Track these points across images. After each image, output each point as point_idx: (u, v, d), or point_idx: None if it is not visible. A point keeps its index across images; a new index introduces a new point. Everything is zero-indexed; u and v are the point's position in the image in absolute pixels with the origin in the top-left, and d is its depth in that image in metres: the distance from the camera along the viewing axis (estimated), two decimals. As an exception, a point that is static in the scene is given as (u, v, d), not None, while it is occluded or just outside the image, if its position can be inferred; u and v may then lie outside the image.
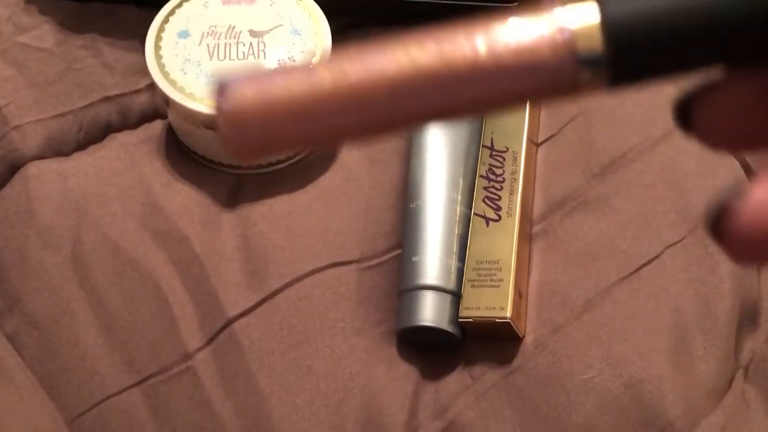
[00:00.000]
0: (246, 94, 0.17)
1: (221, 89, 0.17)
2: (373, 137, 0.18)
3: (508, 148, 0.42)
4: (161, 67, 0.42)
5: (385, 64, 0.17)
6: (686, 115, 0.19)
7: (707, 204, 0.18)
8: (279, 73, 0.17)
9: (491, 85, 0.17)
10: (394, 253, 0.42)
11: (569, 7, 0.17)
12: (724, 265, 0.41)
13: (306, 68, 0.17)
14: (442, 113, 0.18)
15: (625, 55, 0.17)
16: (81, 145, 0.46)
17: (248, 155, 0.18)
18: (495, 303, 0.38)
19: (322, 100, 0.17)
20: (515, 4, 0.49)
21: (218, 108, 0.17)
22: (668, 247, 0.41)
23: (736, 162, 0.45)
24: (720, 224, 0.17)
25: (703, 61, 0.17)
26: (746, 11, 0.16)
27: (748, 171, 0.44)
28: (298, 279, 0.41)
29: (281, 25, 0.44)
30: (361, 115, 0.17)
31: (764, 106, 0.17)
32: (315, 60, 0.16)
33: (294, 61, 0.43)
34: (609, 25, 0.17)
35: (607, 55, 0.17)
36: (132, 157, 0.45)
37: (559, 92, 0.17)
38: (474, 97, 0.17)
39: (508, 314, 0.37)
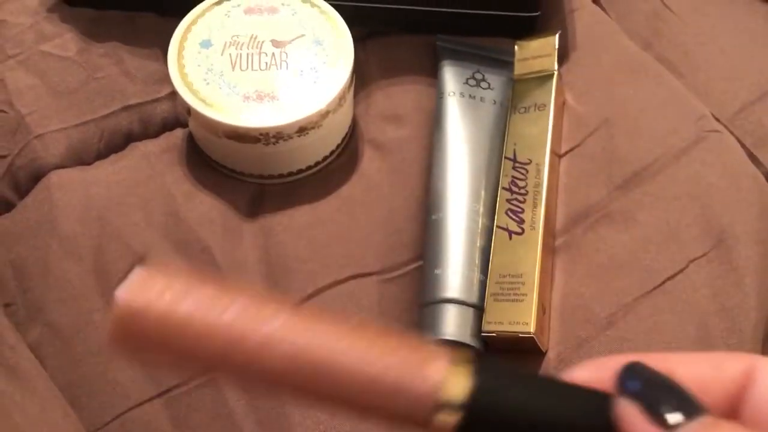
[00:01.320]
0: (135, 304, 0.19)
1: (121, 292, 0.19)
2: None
3: (531, 160, 0.42)
4: (184, 76, 0.42)
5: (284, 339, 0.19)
6: None
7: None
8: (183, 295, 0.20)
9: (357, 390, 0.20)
10: (415, 265, 0.42)
11: (447, 375, 0.19)
12: (749, 279, 0.40)
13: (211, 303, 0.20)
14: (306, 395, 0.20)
15: None
16: (102, 154, 0.46)
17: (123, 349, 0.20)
18: (519, 318, 0.37)
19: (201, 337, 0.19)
20: (537, 13, 0.49)
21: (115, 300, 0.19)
22: (692, 261, 0.41)
23: (759, 174, 0.44)
24: None
25: None
26: None
27: (773, 184, 0.44)
28: (319, 291, 0.41)
29: (303, 35, 0.44)
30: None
31: None
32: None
33: (317, 71, 0.43)
34: (469, 412, 0.19)
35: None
36: (153, 167, 0.45)
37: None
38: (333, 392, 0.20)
39: (532, 329, 0.37)
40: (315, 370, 0.19)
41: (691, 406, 0.19)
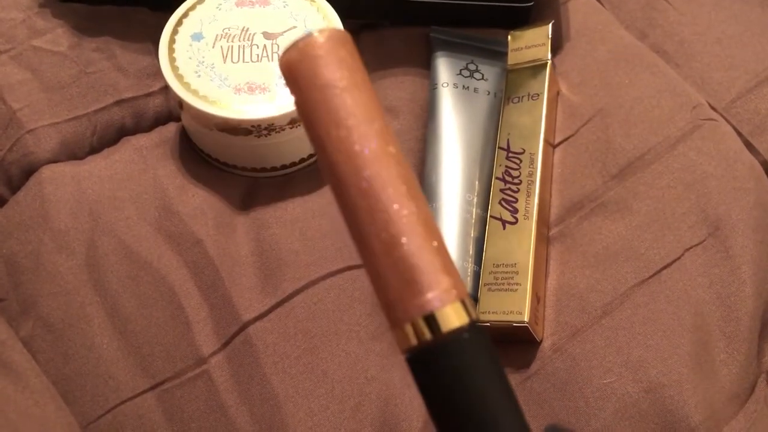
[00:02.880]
0: None
1: None
2: None
3: (524, 150, 0.42)
4: (175, 69, 0.42)
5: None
6: None
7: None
8: None
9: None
10: (409, 256, 0.42)
11: (454, 304, 0.21)
12: (746, 267, 0.40)
13: None
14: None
15: (426, 367, 0.21)
16: (95, 149, 0.46)
17: None
18: (512, 307, 0.37)
19: None
20: (531, 4, 0.48)
21: None
22: (688, 249, 0.40)
23: (756, 162, 0.44)
24: None
25: None
26: None
27: (770, 172, 0.44)
28: (313, 283, 0.41)
29: (295, 27, 0.44)
30: None
31: None
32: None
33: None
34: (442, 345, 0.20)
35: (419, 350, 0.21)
36: (146, 161, 0.45)
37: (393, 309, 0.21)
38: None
39: (526, 318, 0.37)
40: (373, 206, 0.21)
41: None
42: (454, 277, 0.21)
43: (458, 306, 0.21)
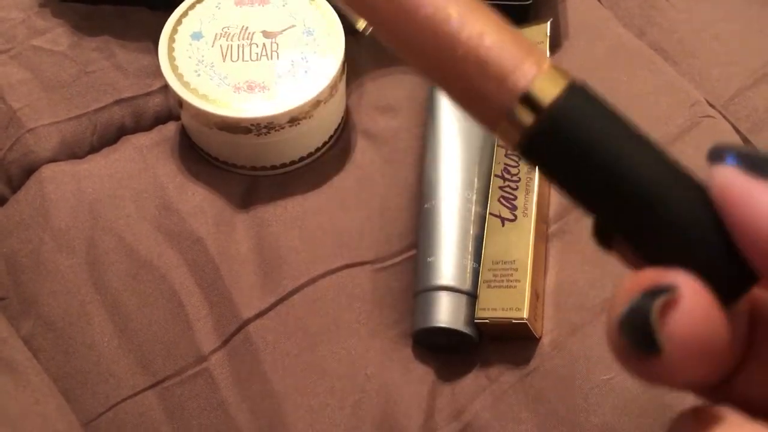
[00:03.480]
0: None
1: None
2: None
3: (523, 147, 0.42)
4: (174, 68, 0.42)
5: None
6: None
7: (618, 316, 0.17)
8: None
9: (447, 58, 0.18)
10: (409, 254, 0.42)
11: (543, 74, 0.18)
12: (744, 264, 0.40)
13: None
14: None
15: (538, 142, 0.18)
16: (95, 148, 0.46)
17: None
18: (511, 304, 0.37)
19: None
20: (529, 2, 0.48)
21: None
22: (687, 246, 0.40)
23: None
24: (646, 341, 0.16)
25: (593, 203, 0.19)
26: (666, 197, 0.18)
27: None
28: (313, 280, 0.41)
29: (294, 25, 0.44)
30: None
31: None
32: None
33: (307, 61, 0.43)
34: (552, 112, 0.18)
35: (530, 128, 0.18)
36: (146, 160, 0.45)
37: (482, 109, 0.19)
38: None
39: (525, 315, 0.37)
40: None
41: None
42: (525, 48, 0.19)
43: (546, 74, 0.18)
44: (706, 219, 0.18)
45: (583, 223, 0.42)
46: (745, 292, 0.18)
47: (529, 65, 0.18)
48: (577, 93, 0.18)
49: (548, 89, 0.18)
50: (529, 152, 0.19)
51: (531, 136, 0.18)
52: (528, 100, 0.18)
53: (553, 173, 0.19)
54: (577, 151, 0.18)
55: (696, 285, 0.17)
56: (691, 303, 0.16)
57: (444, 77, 0.19)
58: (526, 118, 0.18)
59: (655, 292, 0.17)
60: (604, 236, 0.19)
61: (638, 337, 0.17)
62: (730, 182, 0.17)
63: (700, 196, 0.18)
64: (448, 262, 0.39)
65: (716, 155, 0.18)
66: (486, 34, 0.18)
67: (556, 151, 0.18)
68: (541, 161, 0.19)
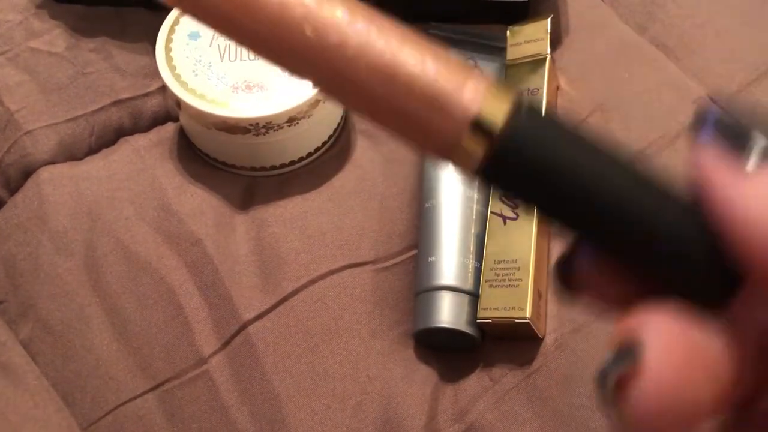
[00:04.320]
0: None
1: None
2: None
3: (524, 145, 0.41)
4: (172, 69, 0.42)
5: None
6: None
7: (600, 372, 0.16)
8: None
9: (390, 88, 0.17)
10: (410, 254, 0.41)
11: (488, 94, 0.17)
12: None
13: None
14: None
15: (495, 169, 0.18)
16: (93, 150, 0.45)
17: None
18: (514, 303, 0.37)
19: None
20: (526, 0, 0.48)
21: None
22: (690, 243, 0.40)
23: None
24: (616, 395, 0.16)
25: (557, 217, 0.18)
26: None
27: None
28: (313, 281, 0.40)
29: (292, 24, 0.44)
30: None
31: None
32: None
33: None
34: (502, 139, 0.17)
35: (483, 161, 0.17)
36: (144, 161, 0.44)
37: (432, 140, 0.18)
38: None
39: (528, 314, 0.36)
40: (372, 64, 0.17)
41: None
42: (462, 70, 0.18)
43: (490, 94, 0.17)
44: (681, 225, 0.17)
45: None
46: (734, 295, 0.17)
47: (472, 87, 0.17)
48: (525, 111, 0.18)
49: (496, 106, 0.17)
50: (488, 178, 0.18)
51: (486, 163, 0.17)
52: (478, 127, 0.17)
53: (517, 195, 0.18)
54: (538, 170, 0.17)
55: (668, 333, 0.16)
56: (657, 368, 0.15)
57: (382, 115, 0.18)
58: (479, 146, 0.17)
59: (620, 354, 0.16)
60: (566, 275, 0.19)
61: (605, 401, 0.16)
62: (712, 177, 0.16)
63: (671, 201, 0.17)
64: (449, 262, 0.39)
65: (696, 124, 0.17)
66: (425, 62, 0.17)
67: (515, 174, 0.18)
68: (501, 185, 0.18)
